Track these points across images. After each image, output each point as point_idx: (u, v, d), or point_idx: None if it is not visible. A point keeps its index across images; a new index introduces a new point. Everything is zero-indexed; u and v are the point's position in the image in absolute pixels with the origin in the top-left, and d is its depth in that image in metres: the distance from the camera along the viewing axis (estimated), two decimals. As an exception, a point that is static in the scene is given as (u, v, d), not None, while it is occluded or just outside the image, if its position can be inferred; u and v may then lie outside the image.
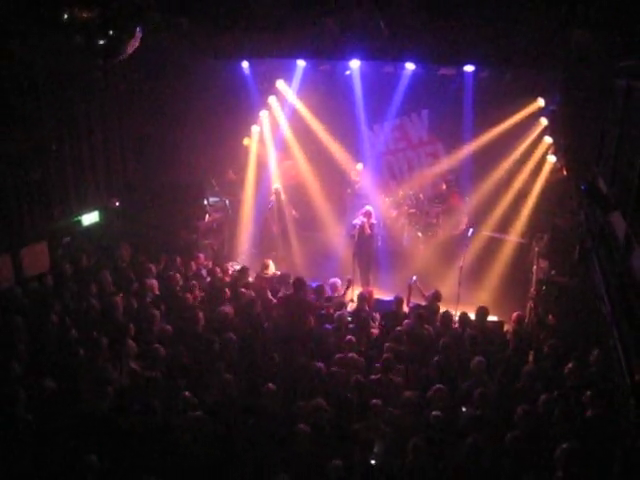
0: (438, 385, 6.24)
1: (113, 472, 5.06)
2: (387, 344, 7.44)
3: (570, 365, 6.68)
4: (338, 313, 8.21)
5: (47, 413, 5.70)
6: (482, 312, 8.29)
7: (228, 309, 8.38)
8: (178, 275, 9.34)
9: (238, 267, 10.68)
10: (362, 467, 5.23)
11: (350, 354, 7.16)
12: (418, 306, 8.80)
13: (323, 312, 8.58)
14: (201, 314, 7.95)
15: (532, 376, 6.60)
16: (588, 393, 5.83)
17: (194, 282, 9.28)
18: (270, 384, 6.21)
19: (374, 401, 6.02)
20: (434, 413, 5.74)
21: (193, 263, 10.18)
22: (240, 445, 5.46)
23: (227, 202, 12.93)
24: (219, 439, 5.46)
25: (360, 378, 6.54)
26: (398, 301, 8.76)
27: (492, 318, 9.30)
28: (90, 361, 6.69)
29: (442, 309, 8.71)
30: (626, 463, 4.63)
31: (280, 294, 9.13)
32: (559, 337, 7.62)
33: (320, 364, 6.85)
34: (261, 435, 5.59)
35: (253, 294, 8.97)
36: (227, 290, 9.15)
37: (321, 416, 5.76)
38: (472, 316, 8.46)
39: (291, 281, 9.48)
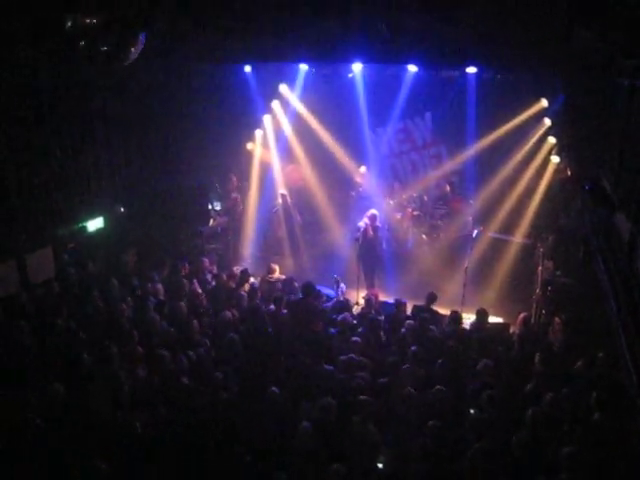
0: (438, 387, 6.23)
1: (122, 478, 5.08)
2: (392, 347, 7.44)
3: (576, 366, 6.68)
4: (341, 316, 8.20)
5: (57, 418, 5.72)
6: (481, 314, 8.28)
7: (233, 312, 8.39)
8: (185, 281, 9.35)
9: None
10: (365, 470, 5.22)
11: (356, 356, 7.15)
12: (420, 308, 8.79)
13: (334, 316, 8.58)
14: (195, 321, 7.94)
15: (539, 378, 6.59)
16: (594, 395, 5.80)
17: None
18: (274, 387, 6.21)
19: (379, 403, 6.01)
20: (438, 417, 5.73)
21: (198, 268, 10.20)
22: (243, 445, 5.47)
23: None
24: (223, 440, 5.48)
25: (365, 381, 6.54)
26: (399, 304, 8.75)
27: (497, 319, 9.30)
28: (98, 366, 6.70)
29: (445, 311, 8.72)
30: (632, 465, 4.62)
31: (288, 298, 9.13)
32: (565, 338, 7.60)
33: (329, 367, 6.86)
34: (263, 434, 5.61)
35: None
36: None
37: (327, 416, 5.76)
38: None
39: (296, 284, 9.51)
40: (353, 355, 7.09)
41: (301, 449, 5.41)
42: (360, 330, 8.08)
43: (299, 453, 5.38)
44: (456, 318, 8.22)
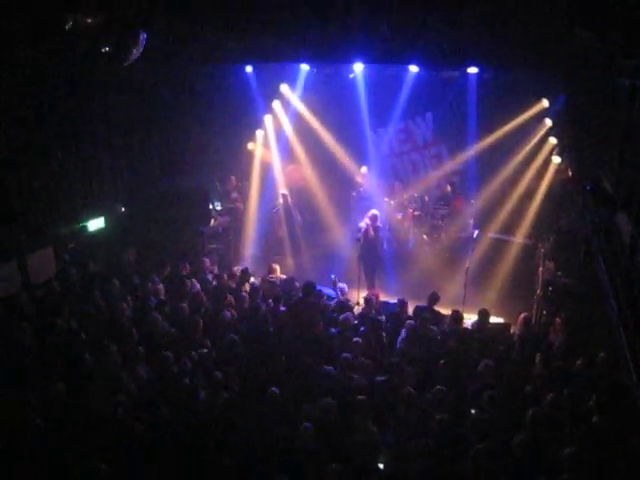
0: (438, 387, 6.22)
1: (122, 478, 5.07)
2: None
3: (577, 366, 6.67)
4: (342, 316, 8.20)
5: (57, 418, 5.71)
6: (484, 315, 8.26)
7: (232, 312, 8.39)
8: (188, 281, 9.35)
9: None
10: (366, 470, 5.21)
11: (357, 357, 7.14)
12: (422, 308, 8.78)
13: (335, 315, 8.56)
14: (200, 320, 7.94)
15: (539, 378, 6.58)
16: (595, 396, 5.79)
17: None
18: (274, 388, 6.21)
19: (380, 403, 6.00)
20: (438, 416, 5.72)
21: (199, 268, 10.20)
22: (243, 445, 5.47)
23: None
24: (223, 440, 5.48)
25: (366, 381, 6.53)
26: (401, 304, 8.74)
27: (498, 320, 9.28)
28: (99, 366, 6.70)
29: (446, 311, 8.71)
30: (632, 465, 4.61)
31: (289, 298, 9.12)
32: (566, 338, 7.59)
33: (329, 367, 6.86)
34: (264, 435, 5.60)
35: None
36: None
37: (328, 416, 5.75)
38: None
39: (297, 284, 9.50)
40: (353, 355, 7.09)
41: (302, 449, 5.40)
42: (361, 330, 8.08)
43: (300, 453, 5.38)
44: (457, 318, 8.21)
